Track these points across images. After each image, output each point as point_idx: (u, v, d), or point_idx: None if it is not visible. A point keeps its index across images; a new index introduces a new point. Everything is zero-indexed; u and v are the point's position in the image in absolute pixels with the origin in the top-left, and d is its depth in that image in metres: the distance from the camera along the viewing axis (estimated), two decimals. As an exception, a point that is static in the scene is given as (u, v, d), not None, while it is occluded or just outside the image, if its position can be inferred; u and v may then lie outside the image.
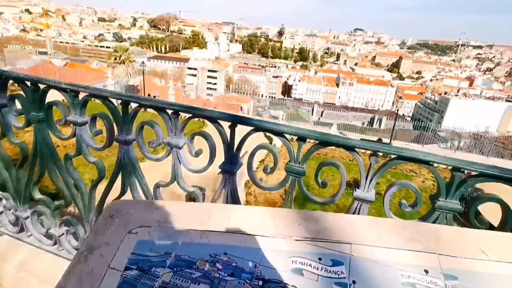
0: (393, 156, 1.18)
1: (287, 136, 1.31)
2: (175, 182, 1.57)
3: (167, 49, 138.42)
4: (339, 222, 0.83)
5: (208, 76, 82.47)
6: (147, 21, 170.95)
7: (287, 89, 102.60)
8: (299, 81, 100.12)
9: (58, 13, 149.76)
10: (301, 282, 0.69)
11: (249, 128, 1.33)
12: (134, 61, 35.70)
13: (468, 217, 1.20)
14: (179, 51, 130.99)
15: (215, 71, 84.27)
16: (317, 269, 0.72)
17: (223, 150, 1.45)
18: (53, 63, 32.85)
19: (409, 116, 77.90)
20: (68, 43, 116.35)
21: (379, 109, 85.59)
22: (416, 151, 1.15)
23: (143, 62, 21.00)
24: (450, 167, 1.15)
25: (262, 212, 0.88)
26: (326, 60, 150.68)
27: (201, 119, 1.45)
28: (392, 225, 0.83)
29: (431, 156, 1.14)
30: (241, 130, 1.38)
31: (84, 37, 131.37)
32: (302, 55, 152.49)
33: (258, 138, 1.45)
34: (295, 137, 1.29)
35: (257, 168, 11.25)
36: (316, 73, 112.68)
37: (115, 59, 34.16)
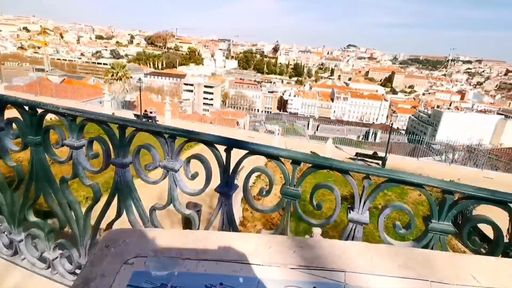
0: (385, 179, 1.21)
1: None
2: (171, 204, 1.57)
3: (164, 65, 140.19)
4: (334, 248, 0.84)
5: (205, 92, 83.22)
6: (144, 38, 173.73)
7: (282, 104, 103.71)
8: (294, 96, 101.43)
9: (56, 31, 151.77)
10: (297, 312, 0.70)
11: (244, 151, 1.35)
12: (131, 77, 36.05)
13: (462, 238, 1.21)
14: (176, 67, 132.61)
15: (211, 87, 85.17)
16: (312, 298, 0.72)
17: (219, 172, 1.47)
18: (50, 80, 32.96)
19: (403, 130, 78.75)
20: (65, 60, 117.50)
21: (373, 122, 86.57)
22: (407, 174, 1.18)
23: (140, 79, 21.18)
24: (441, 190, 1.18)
25: (257, 239, 0.89)
26: (321, 75, 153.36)
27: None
28: (386, 252, 0.84)
29: (422, 179, 1.16)
30: (238, 153, 1.40)
31: (82, 54, 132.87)
32: (297, 71, 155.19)
33: (255, 158, 1.46)
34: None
35: (253, 183, 11.21)
36: (311, 88, 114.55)
37: (112, 75, 34.44)
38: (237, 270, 0.78)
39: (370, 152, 17.43)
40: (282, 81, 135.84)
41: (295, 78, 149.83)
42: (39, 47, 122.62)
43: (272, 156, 1.30)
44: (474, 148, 22.20)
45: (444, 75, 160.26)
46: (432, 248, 1.20)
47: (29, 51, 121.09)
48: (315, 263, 0.79)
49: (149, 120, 20.38)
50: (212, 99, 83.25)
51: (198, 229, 1.64)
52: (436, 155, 23.19)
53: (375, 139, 42.43)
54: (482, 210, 1.21)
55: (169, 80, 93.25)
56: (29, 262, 2.02)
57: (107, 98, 20.32)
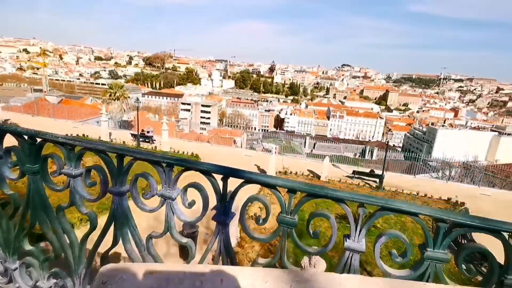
0: (379, 207, 1.23)
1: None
2: (168, 233, 1.57)
3: (162, 85, 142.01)
4: (331, 283, 0.85)
5: (202, 111, 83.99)
6: (143, 59, 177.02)
7: (279, 122, 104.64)
8: (291, 114, 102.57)
9: (55, 53, 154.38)
10: None
11: (241, 180, 1.37)
12: (129, 97, 36.34)
13: (457, 266, 1.22)
14: (174, 87, 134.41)
15: (208, 106, 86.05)
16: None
17: (215, 200, 1.48)
18: (48, 100, 33.17)
19: (399, 147, 79.42)
20: (64, 80, 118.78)
21: (369, 140, 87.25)
22: (401, 202, 1.20)
23: (137, 99, 21.37)
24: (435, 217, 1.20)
25: (253, 273, 0.89)
26: (316, 94, 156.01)
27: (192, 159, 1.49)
28: (382, 286, 0.85)
29: (415, 208, 1.19)
30: (235, 180, 1.42)
31: (80, 75, 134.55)
32: (293, 90, 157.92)
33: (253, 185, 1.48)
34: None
35: (248, 205, 11.10)
36: (307, 106, 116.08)
37: (110, 95, 34.74)
38: (234, 307, 0.78)
39: (367, 170, 17.45)
40: (279, 100, 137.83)
41: (291, 97, 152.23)
42: (38, 68, 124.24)
43: (269, 185, 1.33)
44: (470, 165, 22.37)
45: (437, 93, 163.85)
46: (428, 277, 1.20)
47: (28, 72, 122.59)
48: (312, 298, 0.79)
49: (146, 140, 20.38)
50: (209, 118, 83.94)
51: (194, 256, 1.63)
52: (433, 172, 23.28)
53: (371, 157, 42.65)
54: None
55: (167, 99, 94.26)
56: (23, 291, 1.97)
57: (104, 118, 20.38)
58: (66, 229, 1.80)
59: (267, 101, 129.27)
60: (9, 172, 1.82)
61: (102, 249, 1.75)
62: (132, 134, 20.91)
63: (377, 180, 15.45)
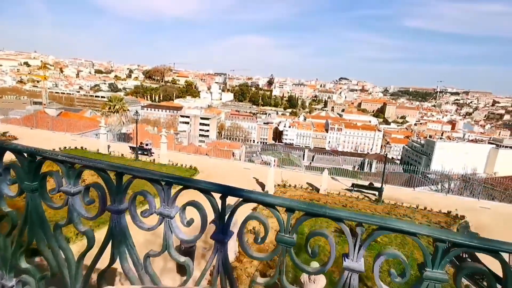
0: (377, 227, 1.23)
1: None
2: (166, 251, 1.56)
3: (161, 98, 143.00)
4: (328, 306, 0.84)
5: (201, 123, 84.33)
6: (143, 72, 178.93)
7: (278, 135, 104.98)
8: (289, 127, 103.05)
9: (56, 66, 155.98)
10: None
11: (239, 199, 1.38)
12: (128, 110, 36.48)
13: (455, 284, 1.21)
14: (173, 100, 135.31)
15: (207, 119, 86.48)
16: None
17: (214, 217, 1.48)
18: (47, 113, 33.21)
19: (398, 159, 79.48)
20: (63, 93, 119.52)
21: (368, 152, 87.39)
22: (399, 221, 1.21)
23: (136, 111, 21.47)
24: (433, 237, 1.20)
25: (252, 296, 0.89)
26: (314, 107, 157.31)
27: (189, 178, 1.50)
28: (380, 309, 0.84)
29: (414, 227, 1.19)
30: (233, 198, 1.43)
31: (80, 88, 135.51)
32: (291, 103, 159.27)
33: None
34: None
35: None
36: (305, 119, 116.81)
37: (109, 108, 34.87)
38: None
39: (366, 183, 17.38)
40: (277, 113, 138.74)
41: (289, 110, 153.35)
42: (38, 81, 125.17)
43: (267, 204, 1.33)
44: (469, 178, 22.35)
45: (434, 106, 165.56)
46: (428, 297, 1.19)
47: (28, 85, 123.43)
48: (310, 323, 0.79)
49: (145, 152, 20.33)
50: (208, 130, 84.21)
51: (192, 275, 1.62)
52: (432, 184, 23.24)
53: (370, 169, 42.60)
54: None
55: (166, 112, 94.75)
56: (18, 311, 1.93)
57: (103, 131, 20.38)
58: (63, 247, 1.79)
59: (265, 113, 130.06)
60: (8, 189, 1.82)
61: (99, 266, 1.73)
62: (130, 147, 20.87)
63: (376, 193, 15.38)
